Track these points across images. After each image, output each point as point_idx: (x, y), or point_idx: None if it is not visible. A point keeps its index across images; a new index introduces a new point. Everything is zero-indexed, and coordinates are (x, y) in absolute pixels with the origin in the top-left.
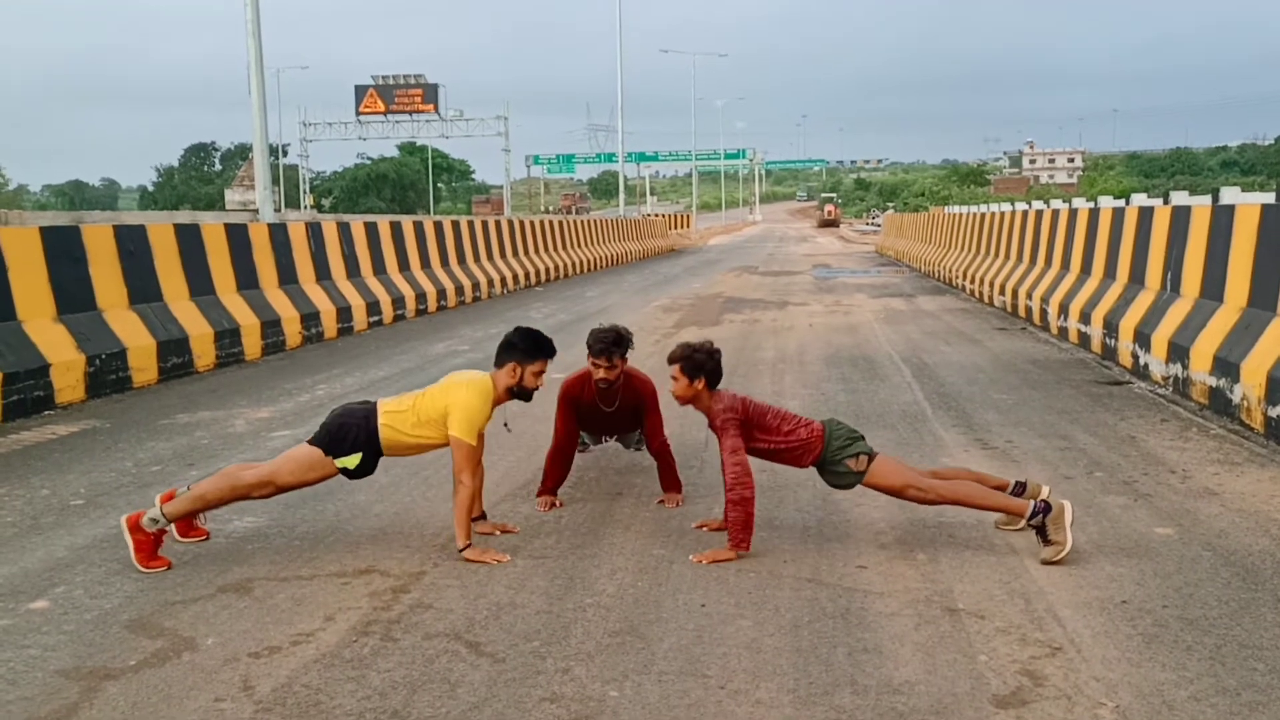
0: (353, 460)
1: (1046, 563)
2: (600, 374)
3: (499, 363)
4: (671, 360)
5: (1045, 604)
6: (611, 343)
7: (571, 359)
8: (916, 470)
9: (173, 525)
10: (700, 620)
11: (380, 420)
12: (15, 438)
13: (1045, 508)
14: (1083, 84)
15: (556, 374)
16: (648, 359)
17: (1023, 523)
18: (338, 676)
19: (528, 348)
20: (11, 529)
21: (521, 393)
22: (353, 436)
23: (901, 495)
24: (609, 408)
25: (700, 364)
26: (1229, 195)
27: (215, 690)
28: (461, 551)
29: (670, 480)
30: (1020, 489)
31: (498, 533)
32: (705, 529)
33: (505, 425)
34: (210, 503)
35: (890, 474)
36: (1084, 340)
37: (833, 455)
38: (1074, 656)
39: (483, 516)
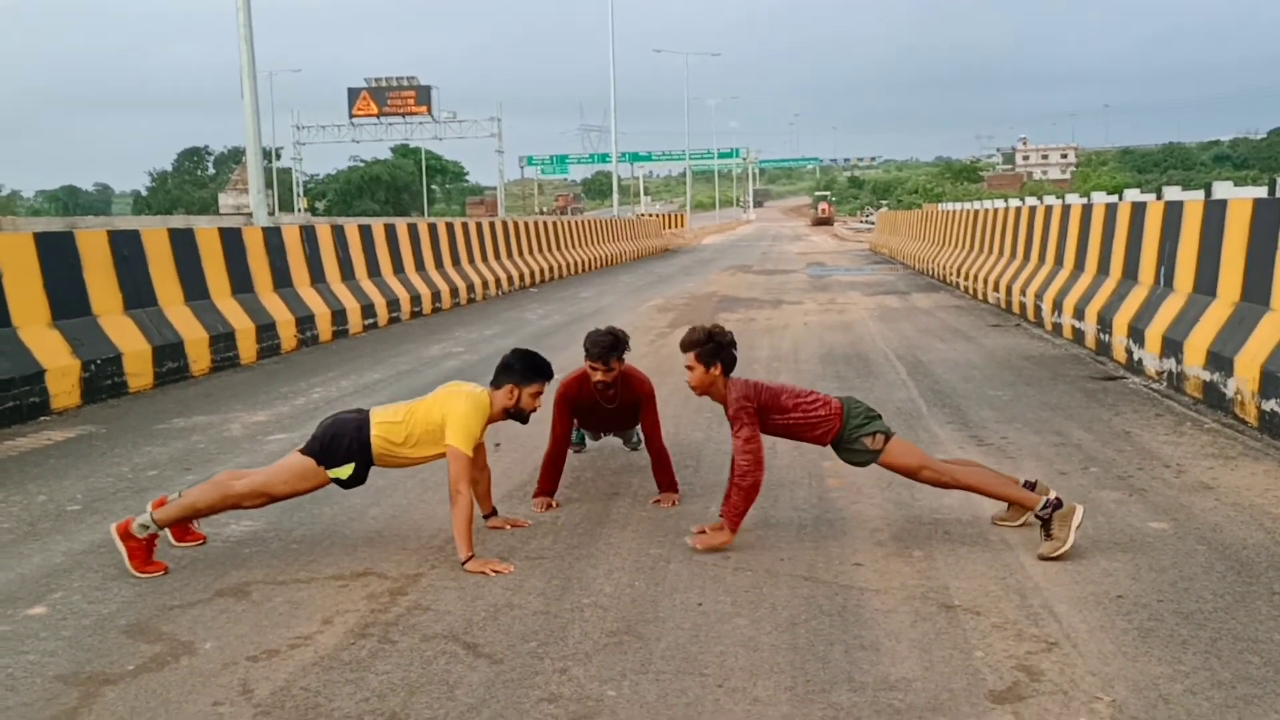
0: (345, 471)
1: (1043, 558)
2: (598, 377)
3: (496, 384)
4: (686, 347)
5: (1041, 599)
6: (609, 346)
7: (567, 359)
8: (930, 456)
9: (168, 530)
10: (697, 619)
11: (373, 431)
12: (11, 444)
13: (1057, 503)
14: (1075, 80)
15: (555, 377)
16: (643, 359)
17: (1028, 515)
18: (336, 679)
19: (525, 370)
20: (8, 535)
21: (518, 414)
22: (345, 447)
23: (916, 476)
24: (609, 405)
25: (717, 350)
26: (1221, 190)
27: (214, 694)
28: (464, 564)
29: (666, 480)
30: (1030, 489)
31: (508, 527)
32: (706, 531)
33: (496, 445)
34: (201, 511)
35: (906, 454)
36: (1078, 336)
37: (850, 433)
38: (1070, 651)
39: (494, 513)
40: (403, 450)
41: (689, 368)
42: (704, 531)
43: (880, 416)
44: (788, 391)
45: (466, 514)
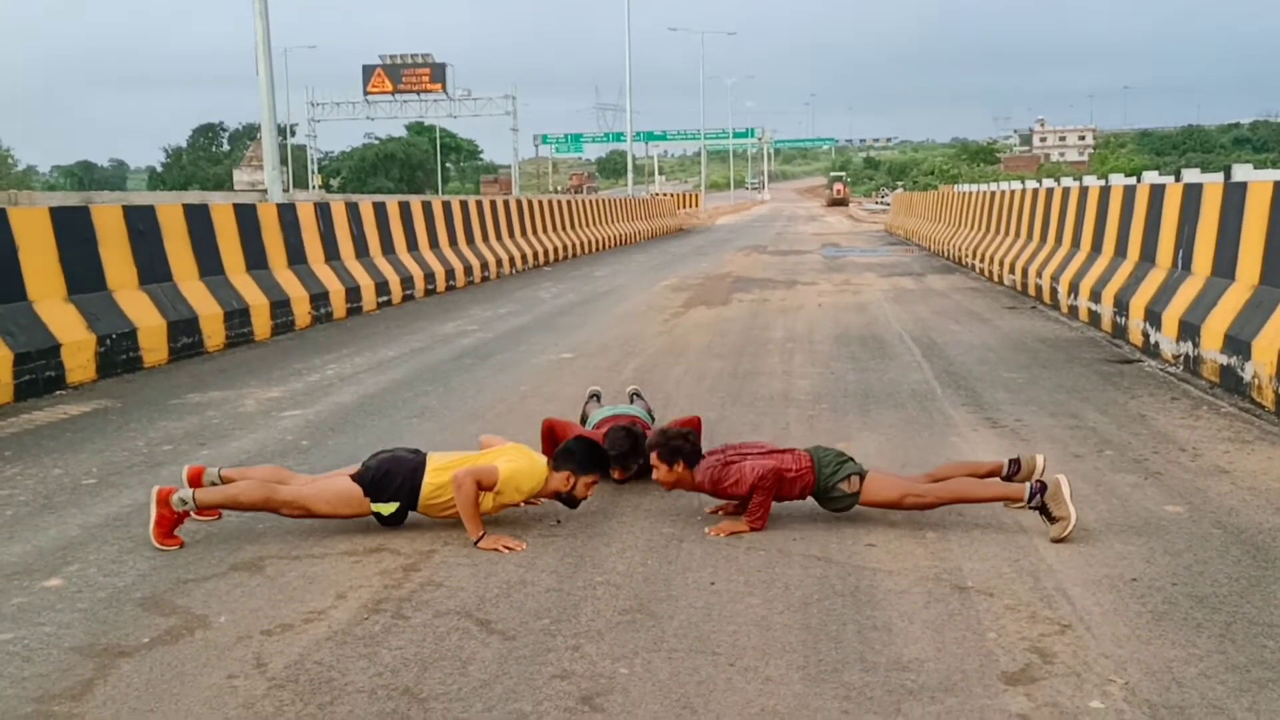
0: (389, 508)
1: (1056, 540)
2: (616, 477)
3: (556, 466)
4: (649, 449)
5: (1054, 581)
6: (628, 452)
7: (580, 339)
8: (909, 478)
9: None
10: (710, 598)
11: (426, 479)
12: (27, 417)
13: (1041, 487)
14: (1094, 61)
15: (566, 354)
16: (656, 338)
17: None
18: (349, 654)
19: (584, 461)
20: (25, 508)
21: (569, 500)
22: (395, 486)
23: (900, 506)
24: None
25: (677, 449)
26: (1241, 173)
27: (228, 667)
28: (476, 542)
29: None
30: (1015, 466)
31: (522, 504)
32: (719, 512)
33: (558, 520)
34: (243, 507)
35: (885, 489)
36: (1094, 319)
37: (825, 482)
38: (1083, 634)
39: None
40: (447, 503)
41: (654, 466)
42: (716, 512)
43: (851, 459)
44: (750, 450)
45: (470, 498)
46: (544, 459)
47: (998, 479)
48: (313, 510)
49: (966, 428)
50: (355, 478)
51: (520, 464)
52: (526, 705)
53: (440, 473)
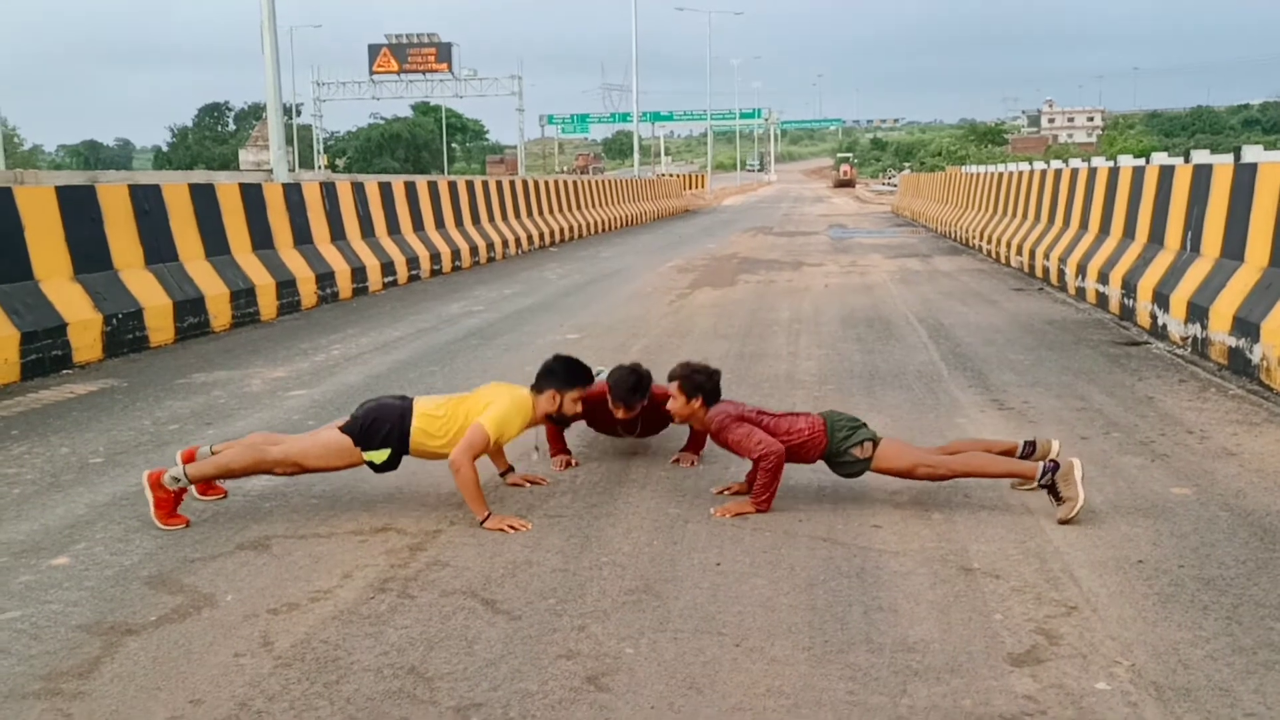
0: (380, 455)
1: (1063, 521)
2: (619, 415)
3: (538, 388)
4: (671, 378)
5: (1061, 563)
6: (631, 389)
7: (586, 319)
8: (923, 449)
9: (192, 485)
10: (715, 578)
11: (414, 423)
12: (34, 396)
13: (1054, 466)
14: (1103, 42)
15: (571, 334)
16: (662, 319)
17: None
18: (355, 633)
19: (567, 375)
20: (32, 486)
21: (560, 419)
22: (384, 432)
23: (911, 475)
24: (630, 433)
25: (699, 384)
26: (1251, 154)
27: (235, 645)
28: (482, 523)
29: (691, 439)
30: (1030, 449)
31: (527, 485)
32: (726, 492)
33: (535, 449)
34: (234, 472)
35: (897, 456)
36: (1102, 300)
37: (837, 446)
38: (1089, 615)
39: (511, 470)
40: (439, 444)
41: (672, 395)
42: (722, 492)
43: (865, 424)
44: (768, 414)
45: (469, 481)
46: (525, 389)
47: (1012, 458)
48: (305, 465)
49: (973, 409)
50: (344, 429)
51: (503, 405)
52: (532, 684)
53: (427, 417)
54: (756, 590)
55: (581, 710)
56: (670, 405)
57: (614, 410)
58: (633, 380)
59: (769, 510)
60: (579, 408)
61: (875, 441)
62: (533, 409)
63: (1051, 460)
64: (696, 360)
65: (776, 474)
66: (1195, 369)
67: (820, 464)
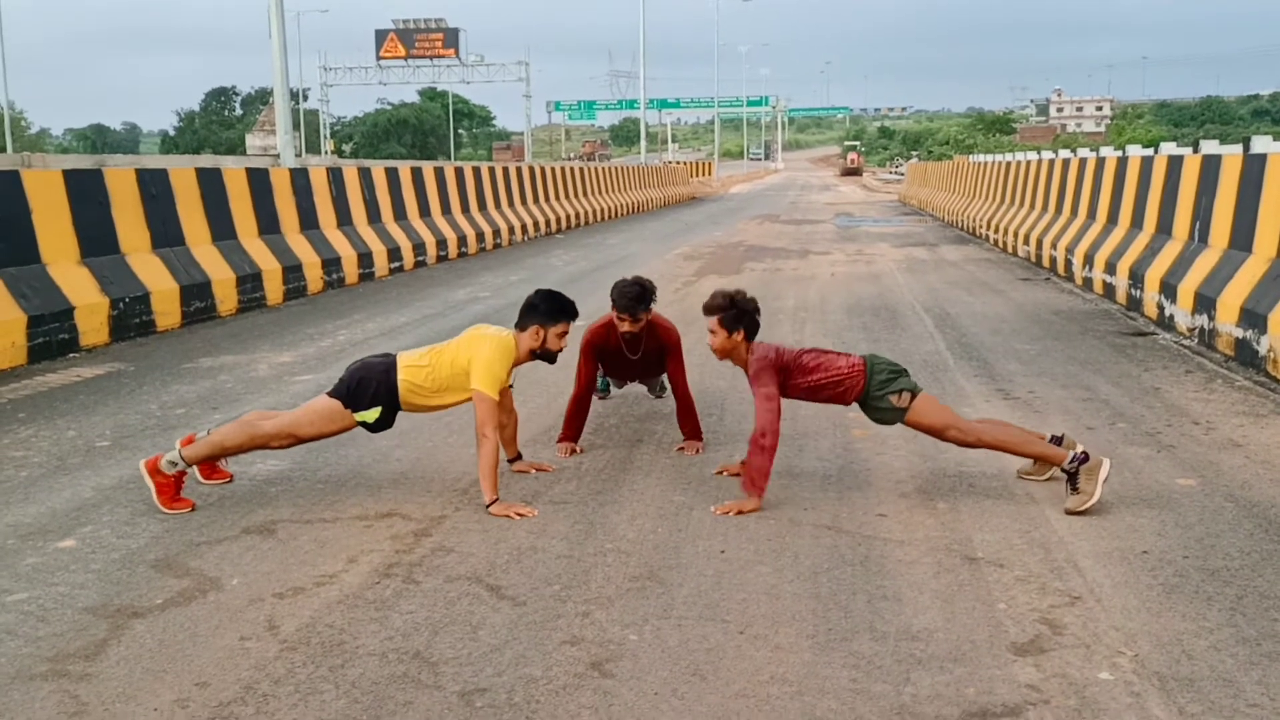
0: (372, 414)
1: (1070, 512)
2: (625, 328)
3: (521, 325)
4: (709, 311)
5: (1065, 553)
6: (635, 298)
7: (594, 306)
8: (957, 415)
9: (195, 468)
10: (719, 566)
11: (399, 376)
12: (41, 380)
13: (1084, 457)
14: (1112, 31)
15: (580, 322)
16: (669, 306)
17: (1054, 470)
18: (360, 617)
19: (550, 310)
20: (39, 469)
21: (545, 355)
22: (372, 390)
23: (942, 435)
24: (634, 355)
25: (740, 315)
26: (1260, 144)
27: (240, 629)
28: (488, 507)
29: (691, 427)
30: (1057, 444)
31: (533, 471)
32: (725, 474)
33: (509, 385)
34: (229, 450)
35: (933, 413)
36: (1109, 291)
37: (875, 390)
38: (1093, 606)
39: (519, 457)
40: (429, 395)
41: (711, 331)
42: (722, 472)
43: (906, 372)
44: (809, 352)
45: (492, 457)
46: (506, 331)
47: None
48: (299, 435)
49: (979, 399)
50: (331, 393)
51: (484, 355)
52: (536, 670)
53: (412, 368)
54: (761, 578)
55: (585, 696)
56: (711, 342)
57: (619, 324)
58: (636, 290)
59: (761, 496)
60: (564, 343)
61: (914, 393)
62: (515, 348)
63: (1083, 450)
64: (733, 289)
65: (772, 455)
66: (1202, 360)
67: (827, 453)
